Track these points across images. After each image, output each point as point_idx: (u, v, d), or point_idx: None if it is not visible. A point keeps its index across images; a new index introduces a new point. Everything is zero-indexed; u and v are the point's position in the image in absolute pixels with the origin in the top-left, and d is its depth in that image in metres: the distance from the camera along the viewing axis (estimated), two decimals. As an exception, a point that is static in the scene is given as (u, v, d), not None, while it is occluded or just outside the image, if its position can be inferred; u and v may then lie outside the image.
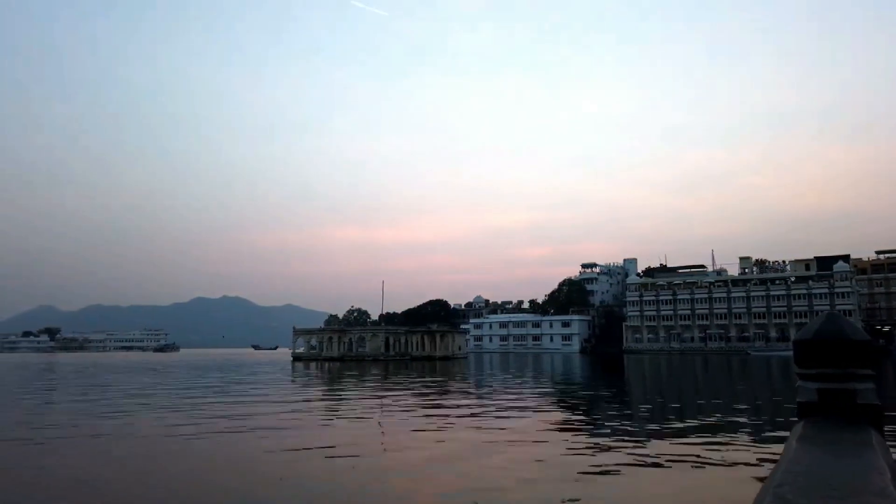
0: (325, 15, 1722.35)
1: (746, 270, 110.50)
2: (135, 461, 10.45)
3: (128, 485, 8.82)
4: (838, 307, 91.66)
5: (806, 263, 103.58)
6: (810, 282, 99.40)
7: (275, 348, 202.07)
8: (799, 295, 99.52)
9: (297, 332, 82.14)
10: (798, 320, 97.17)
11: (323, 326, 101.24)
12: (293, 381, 34.34)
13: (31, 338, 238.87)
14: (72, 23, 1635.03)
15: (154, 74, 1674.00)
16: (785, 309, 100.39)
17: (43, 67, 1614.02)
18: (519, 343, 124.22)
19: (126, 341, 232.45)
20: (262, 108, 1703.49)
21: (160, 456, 10.90)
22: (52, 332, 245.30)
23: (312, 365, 60.51)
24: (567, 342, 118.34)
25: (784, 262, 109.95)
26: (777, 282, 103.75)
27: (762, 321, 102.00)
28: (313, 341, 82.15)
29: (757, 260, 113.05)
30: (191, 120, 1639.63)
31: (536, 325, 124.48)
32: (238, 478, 9.18)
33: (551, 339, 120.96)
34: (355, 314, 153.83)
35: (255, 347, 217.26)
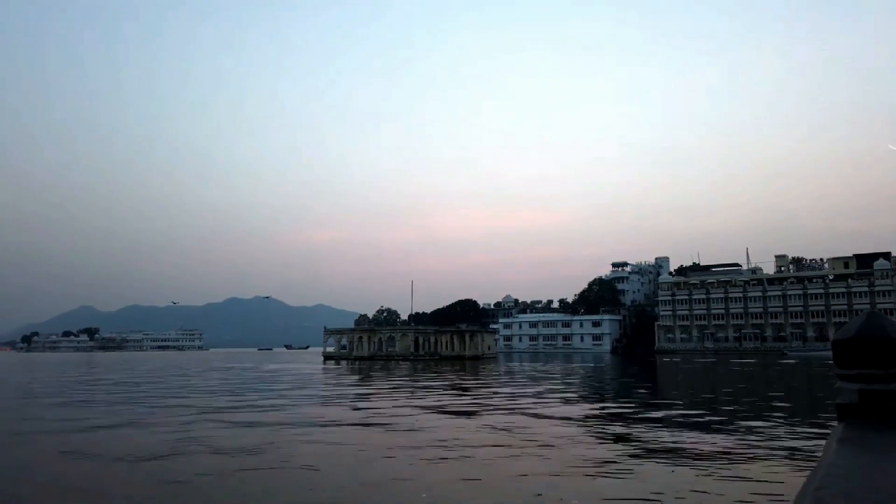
0: (348, 19, 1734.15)
1: (783, 269, 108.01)
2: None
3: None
4: (879, 306, 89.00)
5: (845, 261, 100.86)
6: (849, 280, 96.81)
7: (306, 348, 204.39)
8: (838, 294, 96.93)
9: (328, 332, 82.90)
10: (837, 319, 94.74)
11: (353, 326, 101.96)
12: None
13: (72, 338, 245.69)
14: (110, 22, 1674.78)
15: (184, 77, 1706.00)
16: (823, 308, 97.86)
17: (75, 73, 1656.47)
18: (549, 343, 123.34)
19: (162, 341, 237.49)
20: (290, 110, 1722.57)
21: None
22: (91, 333, 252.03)
23: (343, 363, 61.13)
24: (597, 342, 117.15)
25: (822, 260, 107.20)
26: (815, 280, 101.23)
27: (799, 321, 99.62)
28: (344, 341, 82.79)
29: (793, 258, 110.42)
30: (223, 122, 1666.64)
31: (566, 324, 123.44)
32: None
33: (581, 339, 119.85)
34: (385, 314, 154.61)
35: (288, 347, 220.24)
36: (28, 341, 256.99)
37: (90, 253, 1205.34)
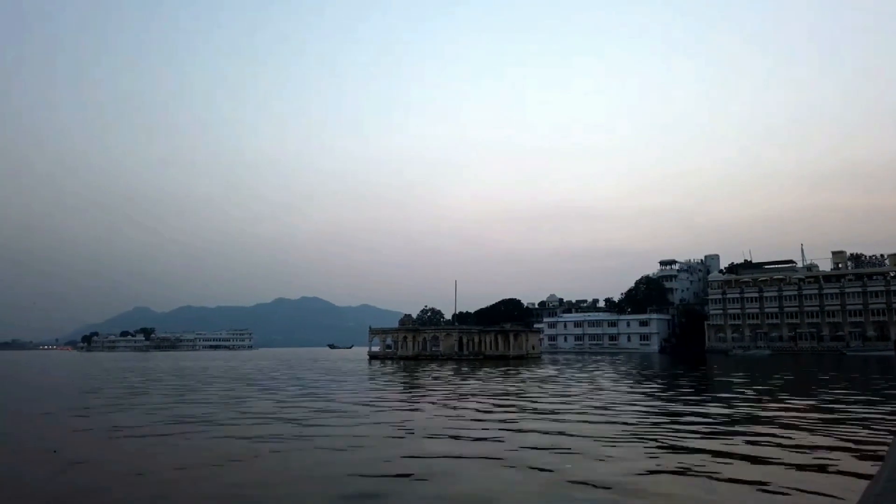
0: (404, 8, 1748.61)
1: (840, 265, 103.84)
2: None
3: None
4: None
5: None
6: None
7: (350, 347, 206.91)
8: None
9: (373, 332, 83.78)
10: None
11: (398, 326, 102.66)
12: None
13: (129, 338, 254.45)
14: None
15: (225, 81, 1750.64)
16: (884, 306, 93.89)
17: (137, 93, 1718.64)
18: (595, 342, 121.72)
19: (214, 340, 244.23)
20: (315, 111, 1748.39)
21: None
22: (147, 333, 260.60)
23: (389, 363, 61.77)
24: (645, 342, 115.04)
25: (882, 256, 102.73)
26: (875, 277, 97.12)
27: (858, 319, 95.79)
28: (388, 340, 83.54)
29: (852, 255, 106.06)
30: (263, 125, 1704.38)
31: (613, 324, 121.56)
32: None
33: (628, 339, 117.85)
34: (429, 314, 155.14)
35: (331, 346, 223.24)
36: (88, 341, 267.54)
37: (145, 256, 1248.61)
